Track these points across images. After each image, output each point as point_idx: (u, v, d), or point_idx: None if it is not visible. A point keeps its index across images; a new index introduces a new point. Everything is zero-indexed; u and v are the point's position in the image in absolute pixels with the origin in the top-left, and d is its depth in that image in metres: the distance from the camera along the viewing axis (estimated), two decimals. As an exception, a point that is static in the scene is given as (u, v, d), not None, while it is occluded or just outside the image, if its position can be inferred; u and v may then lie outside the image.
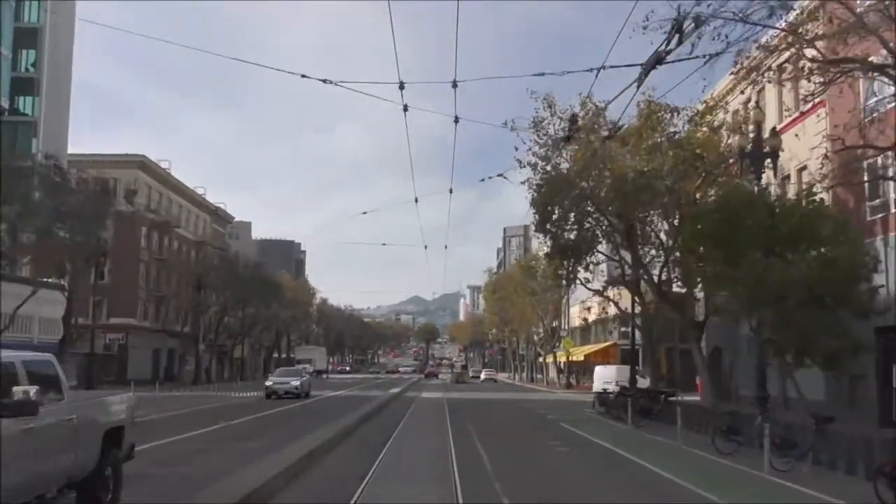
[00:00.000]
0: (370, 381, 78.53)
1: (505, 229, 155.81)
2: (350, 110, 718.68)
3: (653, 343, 34.37)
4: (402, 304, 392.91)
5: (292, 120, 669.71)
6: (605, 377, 36.56)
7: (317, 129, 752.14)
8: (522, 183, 32.22)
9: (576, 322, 66.05)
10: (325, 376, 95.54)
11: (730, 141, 25.39)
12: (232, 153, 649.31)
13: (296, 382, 38.73)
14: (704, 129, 25.85)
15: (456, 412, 30.88)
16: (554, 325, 67.71)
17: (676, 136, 25.88)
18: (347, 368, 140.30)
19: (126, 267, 60.69)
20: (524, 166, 30.59)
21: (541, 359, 78.34)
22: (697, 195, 25.96)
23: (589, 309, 41.13)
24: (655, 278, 29.02)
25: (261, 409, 30.48)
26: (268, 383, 39.68)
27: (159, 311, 66.34)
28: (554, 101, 29.32)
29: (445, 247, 76.08)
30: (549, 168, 30.57)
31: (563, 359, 63.00)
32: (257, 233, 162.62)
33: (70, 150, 54.04)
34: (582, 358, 59.87)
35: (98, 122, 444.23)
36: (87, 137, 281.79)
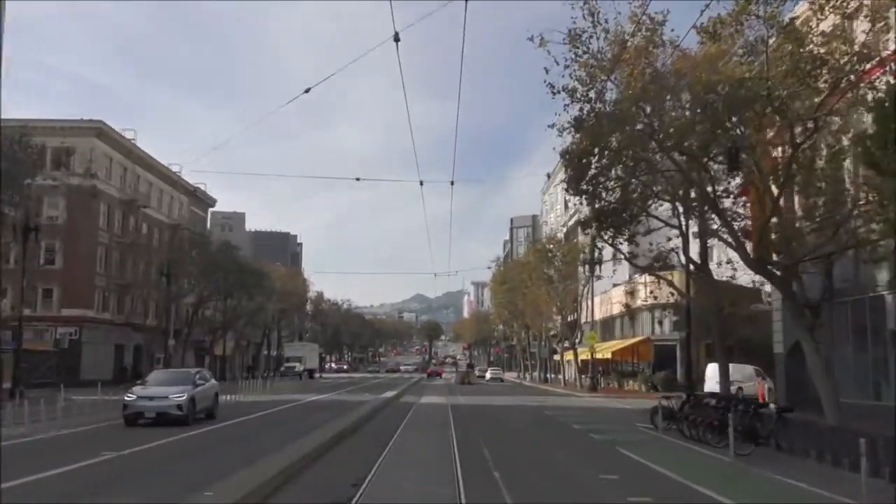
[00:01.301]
0: (366, 382, 70.41)
1: (512, 220, 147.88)
2: (354, 107, 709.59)
3: (723, 335, 26.16)
4: (405, 302, 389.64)
5: (295, 117, 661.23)
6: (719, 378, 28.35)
7: (320, 126, 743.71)
8: (551, 126, 24.41)
9: (599, 313, 57.61)
10: (317, 376, 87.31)
11: (877, 30, 17.09)
12: (235, 151, 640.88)
13: (179, 397, 21.79)
14: (831, 17, 17.57)
15: (466, 426, 22.74)
16: (570, 318, 59.42)
17: (790, 28, 17.57)
18: (345, 367, 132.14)
19: (81, 250, 52.56)
20: (558, 92, 22.55)
21: (556, 356, 70.02)
22: (817, 117, 17.69)
23: (632, 293, 32.73)
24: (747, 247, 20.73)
25: (193, 426, 22.20)
26: (128, 397, 22.14)
27: (122, 302, 58.14)
28: (597, 8, 21.35)
29: (451, 192, 67.26)
30: (592, 94, 22.51)
31: (587, 356, 54.77)
32: (257, 228, 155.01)
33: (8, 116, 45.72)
34: (609, 355, 51.59)
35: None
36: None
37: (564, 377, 62.48)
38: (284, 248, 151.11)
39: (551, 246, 56.82)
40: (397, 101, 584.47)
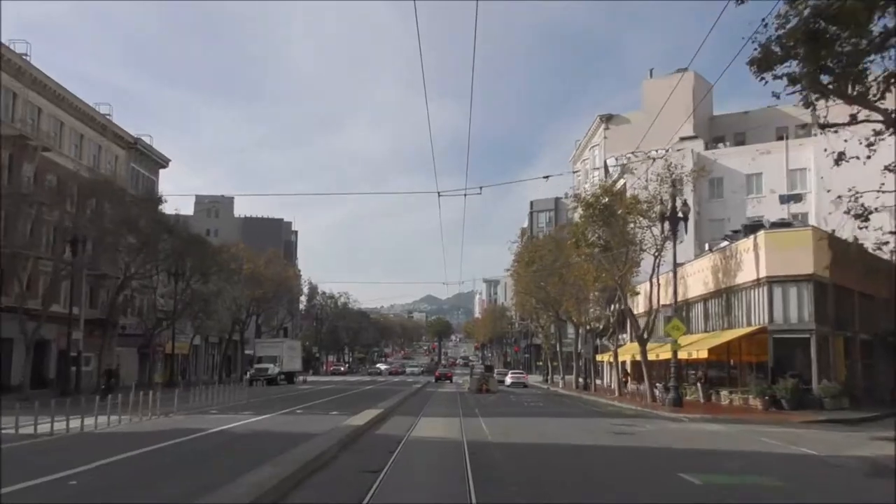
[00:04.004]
0: (354, 390, 54.31)
1: (532, 203, 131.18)
2: (366, 109, 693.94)
3: None
4: (415, 303, 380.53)
5: (307, 120, 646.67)
6: None
7: (332, 128, 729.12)
8: None
9: (666, 297, 40.86)
10: (300, 379, 70.88)
11: None
12: (248, 154, 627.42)
13: None
14: None
15: None
16: (625, 303, 42.98)
17: None
18: (342, 368, 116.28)
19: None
20: None
21: (602, 356, 53.53)
22: None
23: (833, 236, 16.01)
24: None
25: None
26: None
27: (8, 279, 42.02)
28: None
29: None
30: None
31: (656, 356, 38.36)
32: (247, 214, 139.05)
33: None
34: (705, 354, 34.81)
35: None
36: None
37: (620, 385, 45.84)
38: (277, 234, 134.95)
39: (606, 200, 40.18)
40: (408, 104, 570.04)
